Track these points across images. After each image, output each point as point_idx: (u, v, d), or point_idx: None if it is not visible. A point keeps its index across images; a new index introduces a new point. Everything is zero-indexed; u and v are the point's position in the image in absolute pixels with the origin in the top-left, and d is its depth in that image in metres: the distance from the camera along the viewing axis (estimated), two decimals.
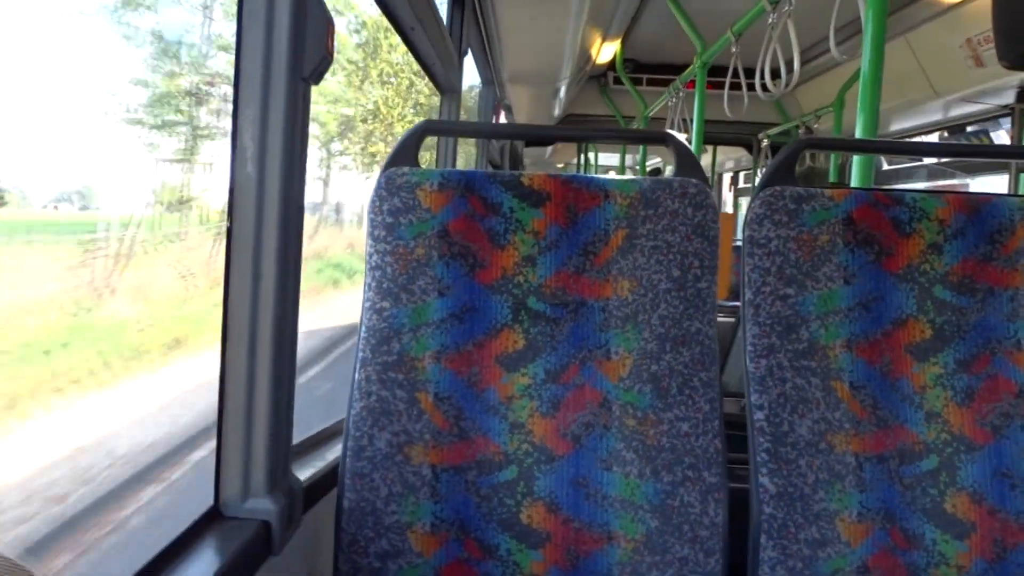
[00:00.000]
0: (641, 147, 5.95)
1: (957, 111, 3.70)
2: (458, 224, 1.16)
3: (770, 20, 2.47)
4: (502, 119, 4.66)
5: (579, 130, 3.05)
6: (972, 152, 2.08)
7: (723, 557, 1.11)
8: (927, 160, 4.33)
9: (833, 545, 1.11)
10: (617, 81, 4.76)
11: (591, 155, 7.87)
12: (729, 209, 8.25)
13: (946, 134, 4.06)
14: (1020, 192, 3.47)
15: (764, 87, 2.63)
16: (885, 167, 4.63)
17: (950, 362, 1.16)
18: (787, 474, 1.12)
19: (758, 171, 6.02)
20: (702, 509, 1.11)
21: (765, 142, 4.90)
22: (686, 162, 1.21)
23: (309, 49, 0.97)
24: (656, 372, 1.14)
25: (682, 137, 1.27)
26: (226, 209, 0.96)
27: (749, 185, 7.06)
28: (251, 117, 0.94)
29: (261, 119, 0.95)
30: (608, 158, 10.00)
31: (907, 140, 2.89)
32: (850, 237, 1.17)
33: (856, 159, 1.67)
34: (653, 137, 1.24)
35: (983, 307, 1.17)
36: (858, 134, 1.76)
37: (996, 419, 1.14)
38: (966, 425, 1.14)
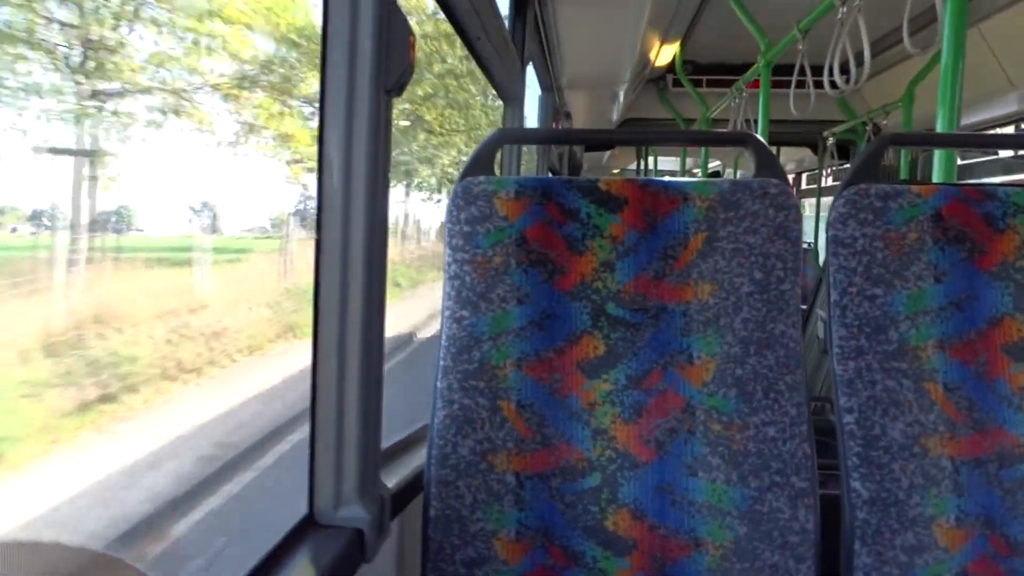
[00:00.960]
0: (703, 151, 5.88)
1: None
2: (535, 231, 1.16)
3: (839, 15, 2.42)
4: (562, 125, 4.66)
5: (650, 134, 3.02)
6: None
7: (815, 564, 1.09)
8: (1003, 154, 4.19)
9: (931, 551, 1.07)
10: (676, 84, 4.71)
11: (651, 159, 7.81)
12: None
13: (1022, 126, 3.91)
14: None
15: (832, 84, 2.57)
16: (960, 162, 4.48)
17: None
18: (880, 478, 1.09)
19: (824, 171, 5.89)
20: (792, 515, 1.09)
21: (831, 140, 4.79)
22: (765, 162, 1.19)
23: (392, 63, 0.98)
24: (741, 376, 1.12)
25: None
26: (315, 221, 0.98)
27: (813, 186, 6.92)
28: (336, 130, 0.96)
29: (346, 132, 0.96)
30: (666, 163, 9.91)
31: (993, 133, 2.78)
32: (939, 234, 1.14)
33: (938, 154, 1.62)
34: (732, 138, 1.22)
35: None
36: (939, 123, 1.71)
37: None
38: None
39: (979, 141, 1.75)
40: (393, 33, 0.99)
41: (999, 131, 3.97)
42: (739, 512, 1.09)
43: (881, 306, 1.13)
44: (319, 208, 0.98)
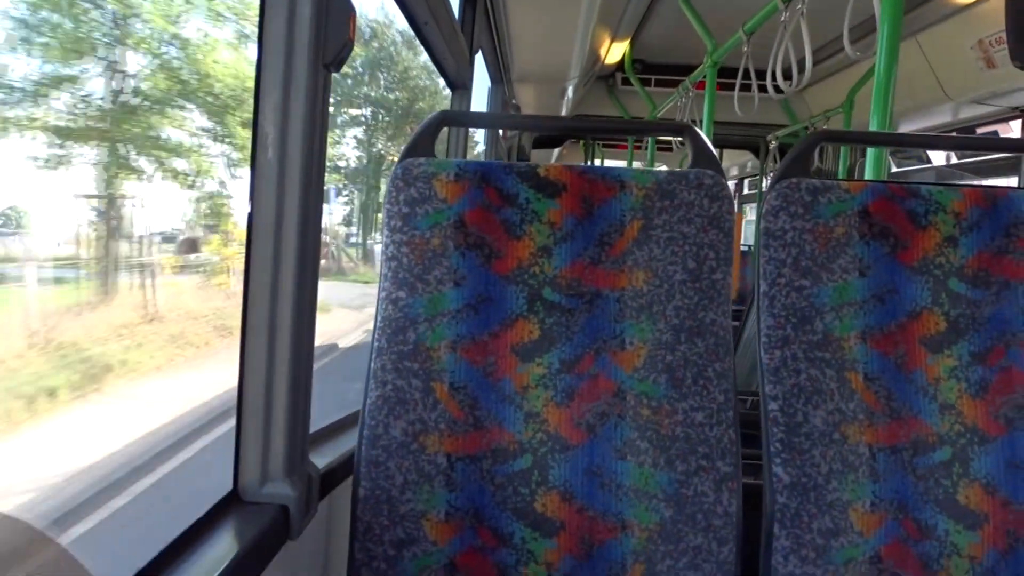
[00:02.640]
0: (649, 152, 5.94)
1: (967, 113, 3.69)
2: (474, 215, 1.16)
3: (782, 18, 2.47)
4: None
5: (595, 123, 3.05)
6: (986, 145, 2.09)
7: (736, 546, 1.11)
8: (936, 163, 4.33)
9: (846, 535, 1.11)
10: (625, 82, 4.76)
11: (598, 161, 7.87)
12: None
13: (955, 135, 4.05)
14: None
15: (776, 87, 2.62)
16: (894, 169, 4.62)
17: (964, 354, 1.16)
18: (801, 464, 1.12)
19: (765, 175, 6.01)
20: (716, 498, 1.11)
21: (774, 143, 4.89)
22: (702, 154, 1.21)
23: (331, 36, 0.97)
24: (671, 362, 1.14)
25: None
26: (248, 195, 0.96)
27: (755, 191, 7.05)
28: (273, 104, 0.95)
29: (282, 106, 0.95)
30: (614, 161, 9.98)
31: (922, 134, 2.88)
32: (866, 229, 1.18)
33: (870, 153, 1.67)
34: (671, 128, 1.24)
35: (998, 300, 1.17)
36: (873, 122, 1.76)
37: (1010, 411, 1.14)
38: (980, 417, 1.14)
39: (908, 141, 1.81)
40: (333, 7, 0.98)
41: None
42: (665, 495, 1.11)
43: (808, 297, 1.16)
44: (252, 183, 0.96)
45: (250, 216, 0.97)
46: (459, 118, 1.80)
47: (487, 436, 1.14)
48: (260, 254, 0.97)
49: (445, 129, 1.29)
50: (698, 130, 1.23)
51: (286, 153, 0.96)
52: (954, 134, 3.88)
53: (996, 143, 2.41)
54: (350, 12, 1.00)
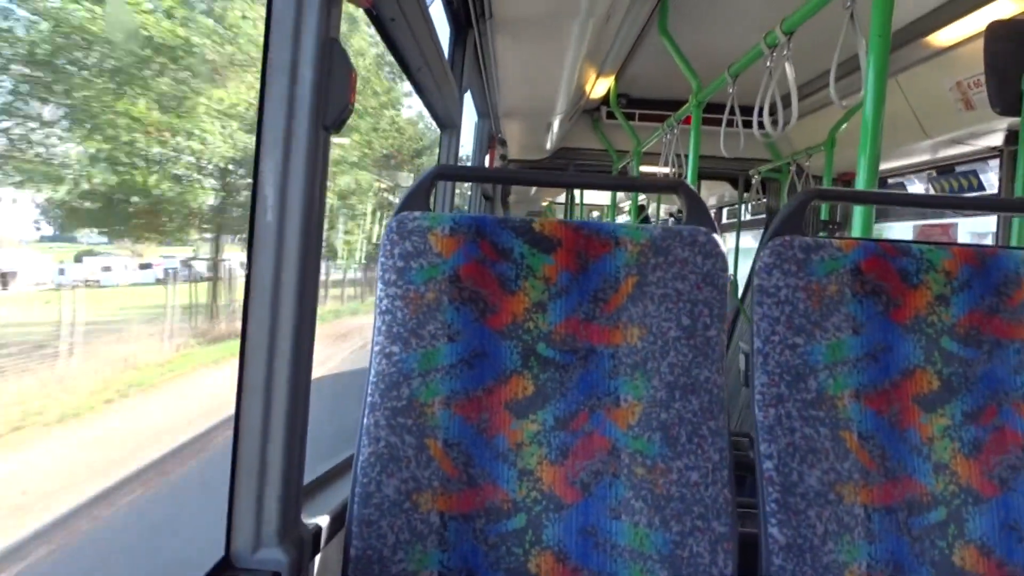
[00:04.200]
0: (633, 196, 6.00)
1: (946, 152, 3.75)
2: (469, 269, 1.16)
3: (768, 63, 2.51)
4: (496, 151, 4.68)
5: (590, 178, 3.06)
6: (974, 206, 2.13)
7: None
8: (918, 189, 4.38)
9: None
10: (610, 116, 4.80)
11: (576, 193, 7.90)
12: None
13: (935, 173, 4.11)
14: (1011, 234, 3.51)
15: (761, 125, 2.66)
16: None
17: (957, 413, 1.17)
18: (796, 525, 1.12)
19: (745, 206, 6.06)
20: (711, 559, 1.11)
21: (757, 178, 4.94)
22: (696, 210, 1.22)
23: (332, 99, 0.97)
24: (665, 420, 1.14)
25: (666, 170, 1.28)
26: (246, 257, 0.96)
27: (733, 220, 7.11)
28: (272, 166, 0.95)
29: (282, 168, 0.95)
30: (593, 195, 10.02)
31: (910, 193, 2.93)
32: (858, 287, 1.19)
33: (858, 210, 1.69)
34: (665, 186, 1.25)
35: (990, 359, 1.18)
36: (860, 177, 1.78)
37: (1003, 471, 1.15)
38: (973, 477, 1.15)
39: (897, 200, 1.82)
40: (335, 69, 0.98)
41: (914, 176, 4.16)
42: (660, 556, 1.11)
43: (801, 355, 1.17)
44: (250, 244, 0.96)
45: (248, 275, 0.96)
46: (453, 172, 1.81)
47: (481, 494, 1.12)
48: (257, 315, 0.96)
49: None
50: (691, 188, 1.24)
51: (285, 216, 0.95)
52: (933, 173, 3.94)
53: (980, 202, 2.45)
54: (351, 73, 1.00)
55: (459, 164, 2.92)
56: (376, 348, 1.15)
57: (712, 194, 7.92)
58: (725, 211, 8.26)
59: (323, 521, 1.18)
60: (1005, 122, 3.10)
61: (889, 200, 1.55)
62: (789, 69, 2.40)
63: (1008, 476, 1.15)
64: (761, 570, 1.13)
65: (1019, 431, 1.16)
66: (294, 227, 0.96)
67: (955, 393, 1.18)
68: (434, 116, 2.28)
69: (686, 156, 3.54)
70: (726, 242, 7.89)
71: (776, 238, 1.20)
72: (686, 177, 3.50)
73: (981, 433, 1.16)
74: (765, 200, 5.43)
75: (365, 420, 1.13)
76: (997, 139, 3.39)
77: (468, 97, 3.27)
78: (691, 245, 1.18)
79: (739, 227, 6.07)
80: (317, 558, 1.16)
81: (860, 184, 1.67)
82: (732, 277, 6.36)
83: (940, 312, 1.19)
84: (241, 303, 0.96)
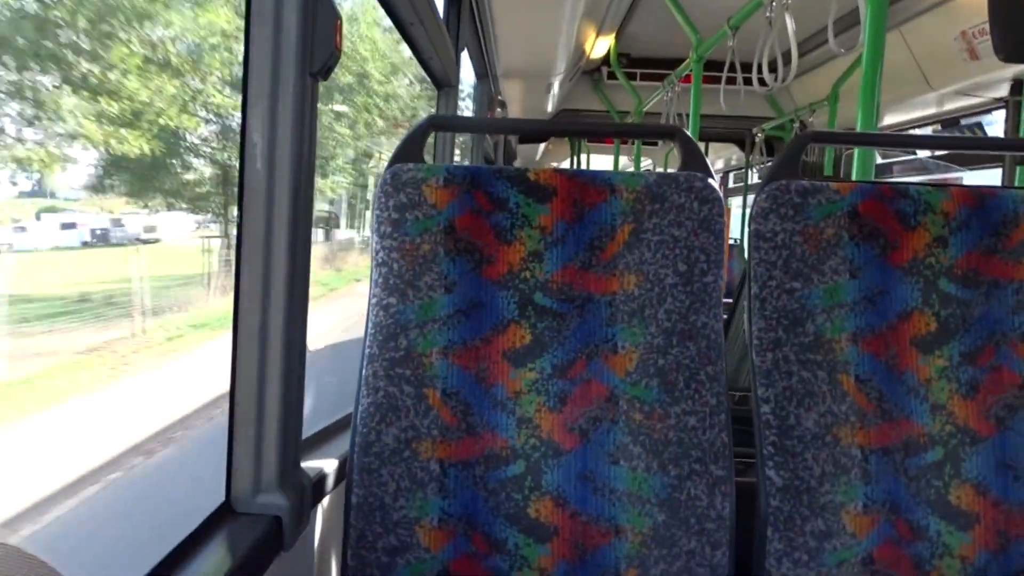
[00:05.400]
0: (635, 150, 5.95)
1: (951, 104, 3.71)
2: (464, 220, 1.16)
3: (768, 14, 2.48)
4: (496, 114, 4.65)
5: (582, 124, 3.05)
6: (973, 145, 2.10)
7: (730, 550, 1.12)
8: (922, 154, 4.35)
9: (839, 537, 1.11)
10: (611, 76, 4.76)
11: (583, 156, 7.86)
12: None
13: (940, 127, 4.07)
14: (1016, 184, 3.48)
15: (761, 81, 2.63)
16: (879, 161, 4.64)
17: (955, 354, 1.17)
18: (793, 467, 1.12)
19: (751, 168, 6.03)
20: (709, 502, 1.12)
21: (760, 136, 4.90)
22: (692, 156, 1.21)
23: (317, 45, 0.97)
24: (663, 366, 1.14)
25: None
26: (236, 205, 0.96)
27: (740, 184, 7.07)
28: (260, 114, 0.94)
29: (270, 116, 0.95)
30: (599, 160, 9.98)
31: (909, 133, 2.89)
32: (855, 230, 1.18)
33: (857, 152, 1.68)
34: (660, 131, 1.24)
35: (987, 300, 1.18)
36: (859, 128, 1.76)
37: (1000, 411, 1.15)
38: (971, 417, 1.15)
39: (894, 141, 1.80)
40: (319, 16, 0.97)
41: (918, 131, 4.12)
42: (658, 499, 1.12)
43: (799, 299, 1.17)
44: (241, 193, 0.96)
45: (239, 225, 0.96)
46: (447, 122, 1.80)
47: (480, 442, 1.13)
48: (250, 263, 0.96)
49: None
50: (687, 133, 1.23)
51: (275, 163, 0.95)
52: (939, 127, 3.90)
53: (980, 142, 2.42)
54: (336, 19, 0.99)
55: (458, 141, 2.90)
56: (373, 300, 1.15)
57: (719, 157, 7.87)
58: (732, 175, 8.22)
59: (325, 469, 1.20)
60: (1011, 71, 3.06)
61: (887, 142, 1.53)
62: (789, 20, 2.37)
63: (1005, 415, 1.15)
64: (759, 512, 1.14)
65: (1016, 371, 1.16)
66: (284, 174, 0.95)
67: (952, 334, 1.17)
68: (429, 74, 2.25)
69: (688, 115, 3.51)
70: (732, 208, 7.88)
71: (772, 182, 1.19)
72: None
73: (978, 373, 1.16)
74: (771, 162, 5.40)
75: (364, 371, 1.14)
76: (1003, 89, 3.35)
77: (467, 60, 3.24)
78: (687, 191, 1.17)
79: (746, 190, 6.03)
80: (319, 506, 1.18)
81: (860, 128, 1.66)
82: (739, 242, 6.34)
83: (938, 254, 1.18)
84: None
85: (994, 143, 2.69)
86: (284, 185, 0.96)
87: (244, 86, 0.95)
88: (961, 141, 1.94)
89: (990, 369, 1.16)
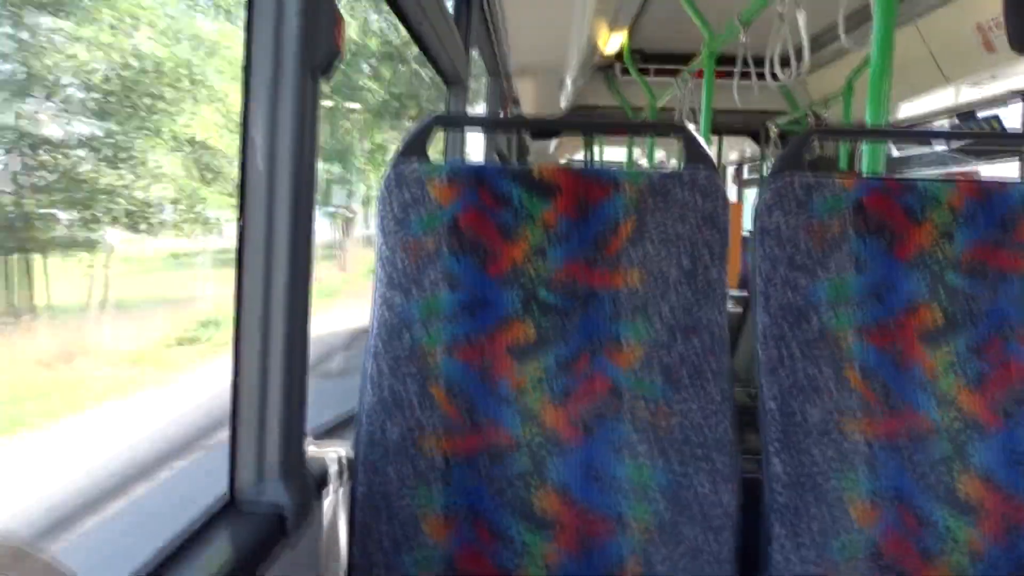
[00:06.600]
0: (648, 141, 5.93)
1: (967, 97, 3.67)
2: (468, 217, 1.16)
3: (779, 9, 2.46)
4: (510, 111, 4.65)
5: (586, 121, 3.06)
6: (980, 137, 2.08)
7: (735, 542, 1.12)
8: (938, 147, 4.31)
9: (845, 529, 1.11)
10: (625, 72, 4.75)
11: (596, 150, 7.84)
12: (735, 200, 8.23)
13: (956, 120, 4.02)
14: None
15: (774, 76, 2.61)
16: (895, 154, 4.60)
17: (962, 348, 1.16)
18: (799, 459, 1.12)
19: (766, 161, 5.99)
20: (714, 495, 1.12)
21: (774, 130, 4.87)
22: (695, 151, 1.21)
23: (319, 43, 0.97)
24: (667, 361, 1.14)
25: (691, 127, 1.26)
26: (237, 203, 0.96)
27: (755, 176, 7.03)
28: (261, 112, 0.95)
29: (270, 114, 0.95)
30: (613, 153, 9.94)
31: (916, 127, 2.87)
32: (861, 225, 1.17)
33: (866, 146, 1.66)
34: (662, 127, 1.24)
35: (994, 292, 1.17)
36: (869, 121, 1.75)
37: (1008, 403, 1.14)
38: (978, 409, 1.14)
39: (900, 134, 1.78)
40: (321, 14, 0.98)
41: (933, 125, 4.08)
42: (663, 492, 1.12)
43: (804, 294, 1.16)
44: (242, 190, 0.96)
45: (241, 218, 0.97)
46: (451, 120, 1.80)
47: (484, 437, 1.14)
48: (252, 259, 0.97)
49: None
50: (691, 128, 1.23)
51: (276, 161, 0.96)
52: (954, 119, 3.86)
53: (991, 135, 2.39)
54: (338, 18, 1.00)
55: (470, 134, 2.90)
56: (378, 297, 1.16)
57: (733, 150, 7.83)
58: (746, 167, 8.17)
59: (329, 464, 1.20)
60: None
61: (893, 135, 1.52)
62: (800, 15, 2.36)
63: (1013, 408, 1.14)
64: (764, 504, 1.14)
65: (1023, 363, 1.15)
66: (285, 171, 0.96)
67: (959, 328, 1.16)
68: (439, 72, 2.25)
69: (701, 110, 3.50)
70: (747, 200, 7.82)
71: (777, 177, 1.19)
72: (699, 130, 3.46)
73: (986, 367, 1.15)
74: None
75: (368, 367, 1.14)
76: (1019, 81, 3.31)
77: (478, 59, 3.24)
78: (691, 186, 1.17)
79: (761, 181, 5.99)
80: (325, 501, 1.18)
81: (869, 122, 1.65)
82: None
83: (944, 247, 1.17)
84: None
85: (1003, 136, 2.66)
86: (285, 183, 0.96)
87: (244, 83, 0.95)
88: (969, 134, 1.92)
89: (998, 362, 1.15)
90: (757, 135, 5.51)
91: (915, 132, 3.20)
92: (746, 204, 7.51)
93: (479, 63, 3.47)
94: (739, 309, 3.36)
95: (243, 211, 0.96)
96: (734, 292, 3.06)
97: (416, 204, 1.16)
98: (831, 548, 1.11)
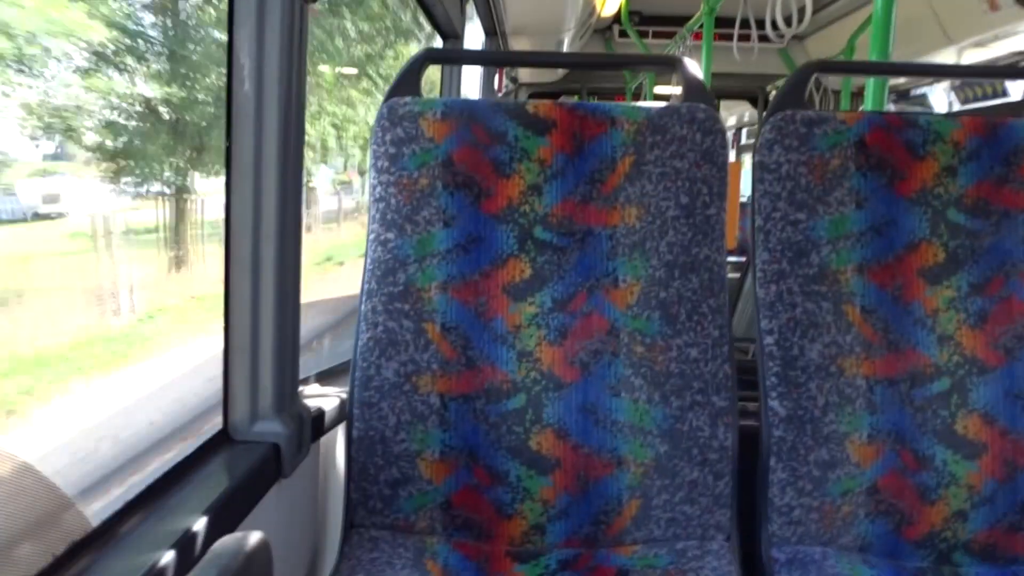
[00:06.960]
0: (649, 78, 5.86)
1: (969, 59, 3.63)
2: (462, 153, 1.14)
3: None
4: (507, 74, 4.59)
5: (583, 58, 3.04)
6: (985, 73, 2.05)
7: (732, 480, 1.11)
8: (939, 110, 4.27)
9: (843, 467, 1.10)
10: (623, 34, 4.68)
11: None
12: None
13: (958, 83, 3.98)
14: None
15: (774, 26, 2.57)
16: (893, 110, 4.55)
17: (963, 285, 1.14)
18: (797, 397, 1.11)
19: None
20: (711, 433, 1.11)
21: (774, 92, 4.82)
22: (694, 88, 1.18)
23: None
24: (664, 299, 1.13)
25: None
26: (224, 129, 0.94)
27: (752, 141, 6.98)
28: (248, 34, 0.92)
29: (257, 36, 0.92)
30: None
31: (919, 63, 2.85)
32: (862, 161, 1.15)
33: (868, 85, 1.63)
34: (662, 61, 1.21)
35: (998, 230, 1.15)
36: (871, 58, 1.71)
37: (1009, 341, 1.13)
38: (978, 347, 1.13)
39: (905, 69, 1.75)
40: None
41: (935, 86, 4.04)
42: (660, 431, 1.10)
43: (803, 231, 1.14)
44: (229, 115, 0.94)
45: (228, 149, 0.94)
46: (442, 55, 1.76)
47: (480, 376, 1.12)
48: (241, 188, 0.95)
49: (438, 78, 1.26)
50: (690, 62, 1.20)
51: (263, 85, 0.93)
52: (957, 82, 3.82)
53: (996, 70, 2.37)
54: None
55: (463, 97, 2.86)
56: (371, 235, 1.14)
57: (732, 114, 7.76)
58: (745, 131, 8.11)
59: (326, 404, 1.19)
60: None
61: (896, 70, 1.49)
62: None
63: (1013, 346, 1.13)
64: (762, 442, 1.13)
65: None
66: (272, 96, 0.93)
67: (961, 265, 1.15)
68: (433, 24, 2.21)
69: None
70: (745, 164, 7.77)
71: (777, 113, 1.17)
72: None
73: (987, 304, 1.14)
74: None
75: (363, 306, 1.13)
76: (1022, 41, 3.27)
77: (475, 18, 3.19)
78: (689, 122, 1.14)
79: (765, 117, 5.93)
80: (321, 441, 1.17)
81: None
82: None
83: (947, 183, 1.15)
84: None
85: (1010, 70, 2.63)
86: (273, 109, 0.94)
87: (230, 5, 0.93)
88: (975, 69, 1.89)
89: (999, 299, 1.14)
90: (755, 99, 5.45)
91: (918, 65, 3.17)
92: (744, 171, 7.46)
93: (476, 22, 3.42)
94: (737, 275, 3.34)
95: (230, 138, 0.94)
96: (732, 258, 3.03)
97: (409, 140, 1.13)
98: (829, 485, 1.10)
